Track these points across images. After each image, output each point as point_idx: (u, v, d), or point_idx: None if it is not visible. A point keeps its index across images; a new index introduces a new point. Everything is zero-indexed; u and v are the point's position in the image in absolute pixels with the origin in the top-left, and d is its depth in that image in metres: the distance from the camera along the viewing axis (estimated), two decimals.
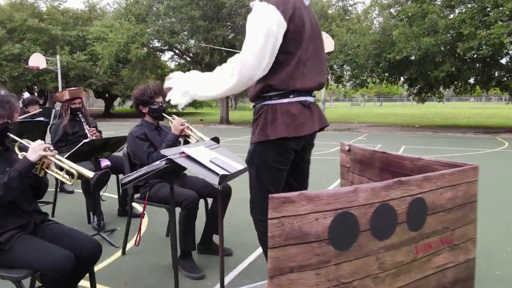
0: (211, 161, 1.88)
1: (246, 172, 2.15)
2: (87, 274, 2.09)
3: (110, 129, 15.84)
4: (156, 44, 20.98)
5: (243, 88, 1.80)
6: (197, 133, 2.86)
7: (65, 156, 3.02)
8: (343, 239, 1.30)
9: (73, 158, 3.09)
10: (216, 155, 1.99)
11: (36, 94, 30.96)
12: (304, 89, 1.82)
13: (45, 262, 1.74)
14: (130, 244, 3.25)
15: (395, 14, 15.88)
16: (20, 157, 1.90)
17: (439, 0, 15.37)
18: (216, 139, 2.74)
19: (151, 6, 18.86)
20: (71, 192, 5.02)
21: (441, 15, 13.91)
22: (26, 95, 33.13)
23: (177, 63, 25.75)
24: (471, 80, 16.26)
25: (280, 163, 1.84)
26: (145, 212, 4.06)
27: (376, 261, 1.37)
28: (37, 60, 20.15)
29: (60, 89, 22.51)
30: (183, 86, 1.89)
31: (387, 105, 63.84)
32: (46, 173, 1.93)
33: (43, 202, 4.52)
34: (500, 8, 12.52)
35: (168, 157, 1.80)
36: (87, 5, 26.17)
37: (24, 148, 1.95)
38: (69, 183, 1.94)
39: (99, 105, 49.02)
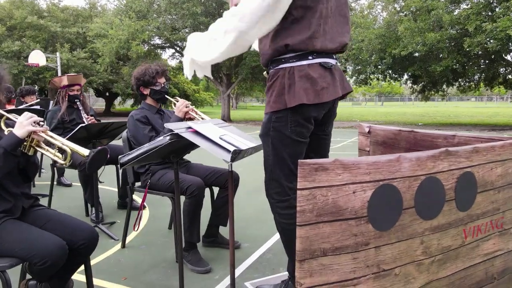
0: (221, 138, 1.67)
1: (259, 150, 1.95)
2: (82, 266, 1.88)
3: None
4: (157, 41, 20.78)
5: (242, 50, 1.56)
6: (202, 115, 2.64)
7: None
8: (385, 217, 1.08)
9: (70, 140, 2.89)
10: (226, 132, 1.78)
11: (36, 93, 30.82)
12: (325, 49, 1.60)
13: (33, 249, 1.53)
14: (130, 237, 3.04)
15: (399, 9, 15.67)
16: (6, 133, 1.68)
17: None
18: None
19: (152, 3, 18.65)
20: (69, 185, 4.81)
21: (446, 10, 13.69)
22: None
23: (178, 60, 25.56)
24: (476, 77, 16.02)
25: (299, 134, 1.62)
26: (145, 203, 3.86)
27: (421, 245, 1.15)
28: (37, 58, 19.96)
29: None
30: (189, 54, 1.69)
31: (388, 104, 63.58)
32: (35, 151, 1.72)
33: (38, 195, 4.33)
34: (507, 3, 12.30)
35: (173, 132, 1.59)
36: (88, 2, 25.96)
37: (11, 125, 1.73)
38: (62, 161, 1.72)
39: (99, 104, 48.91)
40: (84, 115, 3.74)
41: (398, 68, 15.91)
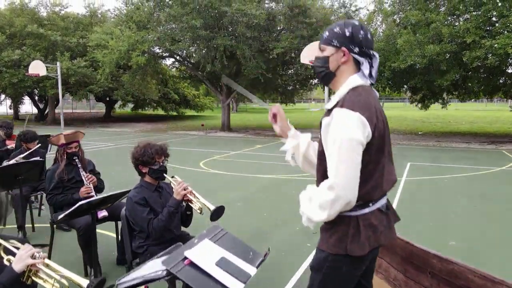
0: (217, 265, 1.70)
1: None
2: None
3: (108, 140, 15.72)
4: (157, 50, 20.78)
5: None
6: (200, 199, 2.67)
7: (60, 217, 2.85)
8: None
9: (68, 217, 2.92)
10: (223, 253, 1.81)
11: (36, 98, 30.86)
12: (383, 194, 1.71)
13: None
14: None
15: (398, 21, 15.66)
16: (5, 262, 1.71)
17: (443, 7, 15.16)
18: (221, 209, 2.55)
19: (152, 14, 18.66)
20: (69, 230, 4.84)
21: (445, 23, 13.68)
22: (27, 100, 33.02)
23: (177, 69, 25.60)
24: (476, 88, 16.02)
25: (354, 275, 1.71)
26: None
27: None
28: (37, 68, 19.97)
29: (60, 95, 22.35)
30: (304, 213, 1.74)
31: (388, 106, 63.50)
32: (33, 281, 1.74)
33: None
34: (506, 19, 12.31)
35: (169, 270, 1.62)
36: (88, 10, 25.98)
37: (10, 252, 1.76)
38: None
39: (99, 107, 48.92)
40: (83, 173, 3.77)
41: (398, 81, 15.92)
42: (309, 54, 14.50)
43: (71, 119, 32.16)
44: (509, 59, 12.76)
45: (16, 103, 31.39)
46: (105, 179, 4.29)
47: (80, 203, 2.86)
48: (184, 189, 2.66)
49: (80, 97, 26.92)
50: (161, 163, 2.81)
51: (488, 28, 13.10)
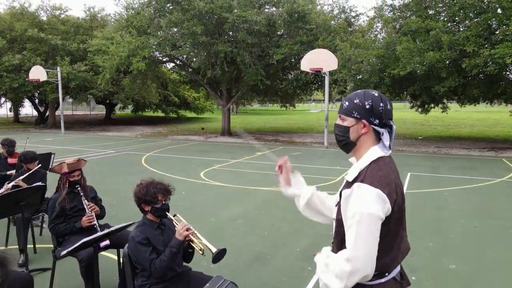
0: None
1: None
2: None
3: (108, 146, 15.69)
4: (157, 55, 20.81)
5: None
6: (202, 240, 2.69)
7: (62, 253, 2.87)
8: None
9: (73, 252, 2.95)
10: None
11: (37, 101, 30.87)
12: (398, 264, 1.76)
13: None
14: None
15: (398, 28, 15.67)
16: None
17: (443, 15, 15.18)
18: (222, 252, 2.57)
19: (153, 19, 18.68)
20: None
21: (445, 30, 13.68)
22: (27, 103, 33.02)
23: (178, 73, 25.61)
24: (475, 94, 16.04)
25: None
26: None
27: None
28: (38, 73, 20.05)
29: (60, 100, 22.40)
30: (319, 274, 1.78)
31: None
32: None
33: (40, 269, 4.38)
34: (505, 27, 12.33)
35: None
36: (88, 14, 25.98)
37: None
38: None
39: (100, 108, 48.92)
40: (85, 202, 3.79)
41: (397, 89, 15.95)
42: (309, 61, 14.56)
43: (71, 122, 32.19)
44: (508, 68, 12.75)
45: (17, 106, 31.40)
46: (106, 195, 4.31)
47: (84, 240, 2.88)
48: (187, 230, 2.68)
49: (80, 100, 26.97)
50: (164, 202, 2.83)
51: (488, 36, 13.11)
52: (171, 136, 21.08)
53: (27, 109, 36.58)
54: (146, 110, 36.63)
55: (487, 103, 20.12)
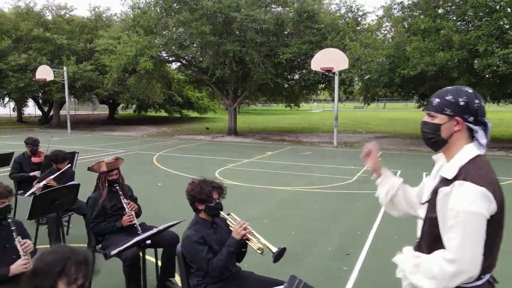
0: None
1: None
2: None
3: (118, 145, 15.62)
4: (164, 54, 20.76)
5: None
6: (261, 239, 2.65)
7: (113, 253, 2.84)
8: None
9: (122, 251, 2.92)
10: None
11: (40, 101, 30.79)
12: (494, 266, 1.71)
13: None
14: None
15: (407, 27, 15.63)
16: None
17: (453, 14, 15.16)
18: (283, 251, 2.54)
19: (160, 19, 18.64)
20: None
21: (455, 29, 13.66)
22: (30, 102, 32.95)
23: (183, 73, 25.55)
24: (486, 95, 16.03)
25: None
26: None
27: None
28: (44, 73, 20.00)
29: (67, 100, 22.35)
30: (402, 268, 1.77)
31: (390, 107, 63.53)
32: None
33: None
34: None
35: None
36: (93, 13, 25.93)
37: None
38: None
39: (102, 108, 48.80)
40: (124, 201, 3.76)
41: (407, 88, 15.93)
42: (320, 61, 14.53)
43: (75, 122, 32.09)
44: None
45: (20, 106, 31.33)
46: None
47: (135, 240, 2.86)
48: (244, 229, 2.65)
49: (85, 100, 26.93)
50: (218, 200, 2.80)
51: (499, 35, 13.09)
52: (177, 136, 21.04)
53: (30, 109, 36.49)
54: (149, 110, 36.57)
55: (494, 103, 20.11)
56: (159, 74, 21.65)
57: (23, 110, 32.80)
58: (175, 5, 17.78)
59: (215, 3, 16.10)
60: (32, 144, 5.99)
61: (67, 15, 25.33)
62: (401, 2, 15.63)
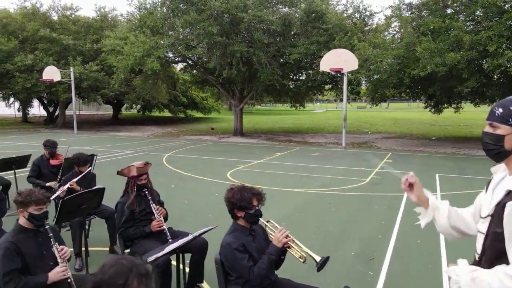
0: None
1: None
2: None
3: (125, 146, 15.60)
4: (170, 54, 20.74)
5: None
6: (303, 248, 2.62)
7: (150, 259, 2.82)
8: None
9: (160, 258, 2.91)
10: None
11: (45, 101, 30.82)
12: None
13: None
14: None
15: (417, 28, 15.57)
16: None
17: (462, 14, 15.11)
18: (326, 260, 2.52)
19: (166, 19, 18.62)
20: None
21: (465, 29, 13.59)
22: (35, 102, 32.99)
23: (190, 74, 25.55)
24: (496, 96, 15.97)
25: None
26: None
27: None
28: (51, 73, 20.01)
29: (73, 100, 22.37)
30: (457, 281, 1.72)
31: (394, 107, 63.43)
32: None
33: None
34: None
35: None
36: (99, 14, 25.93)
37: None
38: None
39: (105, 108, 48.83)
40: (153, 206, 3.74)
41: (416, 89, 15.87)
42: (329, 62, 14.49)
43: (80, 122, 32.11)
44: None
45: (25, 106, 31.36)
46: None
47: (173, 247, 2.84)
48: (286, 237, 2.63)
49: (90, 100, 26.96)
50: (257, 207, 2.77)
51: (510, 36, 13.03)
52: (183, 136, 21.03)
53: (35, 109, 36.50)
54: (153, 110, 36.59)
55: None
56: (165, 75, 21.64)
57: (28, 111, 32.81)
58: (182, 5, 17.76)
59: (223, 3, 16.08)
60: (51, 146, 5.97)
61: (73, 16, 25.33)
62: (410, 3, 15.57)
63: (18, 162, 6.37)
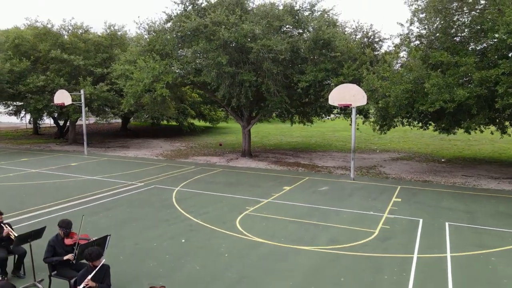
0: None
1: None
2: None
3: (135, 175, 15.71)
4: (180, 78, 20.90)
5: None
6: None
7: None
8: None
9: None
10: None
11: (56, 115, 31.20)
12: None
13: None
14: None
15: (425, 58, 15.47)
16: None
17: (472, 45, 15.02)
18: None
19: (175, 44, 18.77)
20: None
21: (474, 65, 13.51)
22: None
23: (198, 94, 25.70)
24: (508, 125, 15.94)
25: None
26: None
27: None
28: (62, 98, 20.32)
29: (84, 122, 22.65)
30: None
31: None
32: None
33: None
34: None
35: None
36: (108, 32, 26.18)
37: None
38: None
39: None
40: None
41: (425, 120, 15.84)
42: (338, 96, 14.52)
43: (89, 134, 32.48)
44: None
45: (36, 120, 31.79)
46: (150, 257, 4.28)
47: None
48: None
49: (102, 117, 27.45)
50: None
51: None
52: (191, 157, 21.20)
53: (45, 121, 36.96)
54: (161, 119, 36.91)
55: None
56: (175, 96, 21.82)
57: (39, 124, 33.29)
58: (189, 33, 17.84)
59: (232, 33, 16.16)
60: (65, 227, 6.15)
61: (83, 35, 25.62)
62: (419, 35, 15.50)
63: (34, 236, 6.53)
